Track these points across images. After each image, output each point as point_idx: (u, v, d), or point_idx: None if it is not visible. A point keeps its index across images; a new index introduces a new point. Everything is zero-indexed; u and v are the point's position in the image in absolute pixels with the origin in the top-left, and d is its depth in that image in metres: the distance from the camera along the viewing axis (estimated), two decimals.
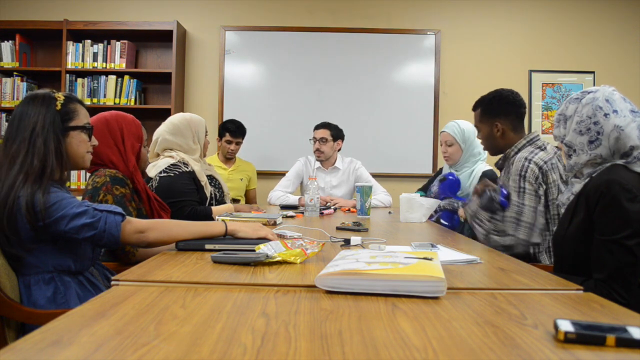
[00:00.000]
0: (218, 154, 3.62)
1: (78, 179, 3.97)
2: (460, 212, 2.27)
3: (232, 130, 3.45)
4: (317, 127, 3.28)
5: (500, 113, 2.04)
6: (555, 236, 1.54)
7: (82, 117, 1.44)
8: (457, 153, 2.69)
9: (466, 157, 2.67)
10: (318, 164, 3.29)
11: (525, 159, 1.91)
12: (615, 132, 1.36)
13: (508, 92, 2.07)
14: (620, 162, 1.37)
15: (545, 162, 1.89)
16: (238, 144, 3.52)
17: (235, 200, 3.42)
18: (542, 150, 1.96)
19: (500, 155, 2.12)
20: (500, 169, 2.10)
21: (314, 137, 3.26)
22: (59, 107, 1.38)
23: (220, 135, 3.52)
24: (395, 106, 4.18)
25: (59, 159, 1.36)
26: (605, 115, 1.38)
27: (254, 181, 3.77)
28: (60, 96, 1.40)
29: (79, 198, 1.42)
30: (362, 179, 3.19)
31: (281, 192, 3.22)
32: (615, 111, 1.38)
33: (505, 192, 1.86)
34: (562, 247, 1.45)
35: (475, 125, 2.16)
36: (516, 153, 2.00)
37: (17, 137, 1.33)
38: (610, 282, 1.28)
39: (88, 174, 1.80)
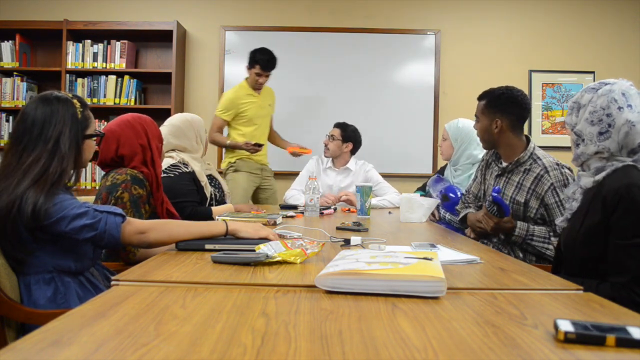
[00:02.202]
0: (247, 79, 3.46)
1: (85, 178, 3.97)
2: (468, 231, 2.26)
3: (264, 65, 3.32)
4: (334, 125, 3.29)
5: (504, 110, 2.01)
6: (565, 239, 1.50)
7: (94, 124, 1.45)
8: (449, 149, 2.69)
9: (457, 156, 2.66)
10: (329, 163, 3.28)
11: (558, 164, 1.93)
12: (626, 126, 1.35)
13: (518, 92, 2.04)
14: (628, 160, 1.35)
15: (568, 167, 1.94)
16: (267, 76, 3.40)
17: (258, 145, 3.28)
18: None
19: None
20: (503, 173, 2.06)
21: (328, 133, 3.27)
22: (79, 115, 1.37)
23: (250, 65, 3.37)
24: (395, 106, 4.18)
25: (76, 166, 1.38)
26: (619, 108, 1.36)
27: (274, 107, 3.68)
28: (76, 102, 1.38)
29: (90, 197, 1.43)
30: (372, 180, 3.18)
31: (295, 191, 3.22)
32: (629, 106, 1.36)
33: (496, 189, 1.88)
34: (573, 249, 1.43)
35: (476, 115, 2.13)
36: (533, 159, 1.98)
37: (37, 144, 1.29)
38: (631, 285, 1.26)
39: (102, 172, 1.80)
